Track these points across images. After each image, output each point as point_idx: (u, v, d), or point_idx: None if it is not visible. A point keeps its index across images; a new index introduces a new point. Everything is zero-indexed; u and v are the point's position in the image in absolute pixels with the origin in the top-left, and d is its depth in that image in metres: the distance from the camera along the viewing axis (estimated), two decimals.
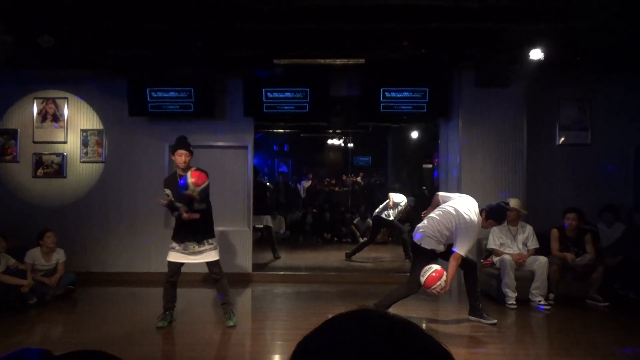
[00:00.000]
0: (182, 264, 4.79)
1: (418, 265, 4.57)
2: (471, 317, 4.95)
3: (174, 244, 4.79)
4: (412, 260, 5.02)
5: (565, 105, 7.12)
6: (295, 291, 6.54)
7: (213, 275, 4.87)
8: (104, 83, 7.08)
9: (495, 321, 4.87)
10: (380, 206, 8.65)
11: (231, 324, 4.80)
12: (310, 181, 13.98)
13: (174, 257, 4.78)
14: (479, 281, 5.01)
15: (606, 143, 7.07)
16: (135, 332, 4.74)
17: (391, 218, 8.51)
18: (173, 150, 4.76)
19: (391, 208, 8.53)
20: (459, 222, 4.51)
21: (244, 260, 7.07)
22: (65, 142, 7.15)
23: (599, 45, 5.93)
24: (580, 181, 6.95)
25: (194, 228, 4.73)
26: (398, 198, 8.65)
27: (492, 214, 4.71)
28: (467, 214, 4.52)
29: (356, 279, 7.17)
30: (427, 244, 4.62)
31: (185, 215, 4.60)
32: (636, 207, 6.67)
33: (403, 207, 8.67)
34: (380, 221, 8.59)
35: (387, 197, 8.77)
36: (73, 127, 7.16)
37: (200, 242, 4.77)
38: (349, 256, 8.44)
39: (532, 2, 4.68)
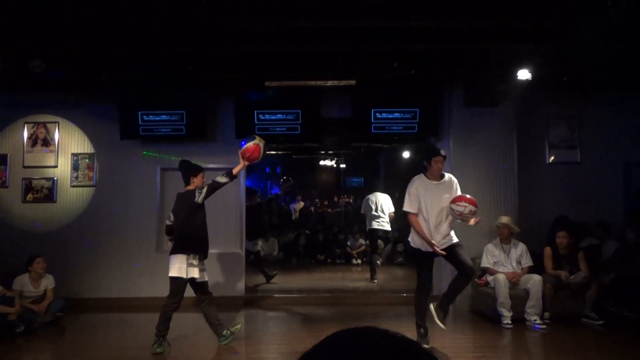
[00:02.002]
0: (187, 281, 4.71)
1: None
2: (431, 308, 4.78)
3: (179, 257, 4.69)
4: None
5: (554, 124, 7.22)
6: (289, 314, 6.46)
7: (204, 297, 4.83)
8: (96, 107, 7.08)
9: (444, 327, 4.75)
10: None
11: (225, 341, 4.82)
12: (302, 203, 13.96)
13: (180, 271, 4.66)
14: (460, 291, 4.86)
15: (595, 161, 7.14)
16: (126, 359, 4.63)
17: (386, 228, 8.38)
18: (197, 172, 4.94)
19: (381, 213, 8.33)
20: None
21: (237, 283, 6.98)
22: (55, 167, 7.10)
23: (586, 65, 6.05)
24: (570, 199, 6.99)
25: (198, 242, 4.77)
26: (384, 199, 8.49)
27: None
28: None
29: (350, 300, 7.10)
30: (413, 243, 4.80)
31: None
32: (627, 224, 6.71)
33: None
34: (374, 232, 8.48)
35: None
36: (64, 151, 7.12)
37: (202, 259, 4.79)
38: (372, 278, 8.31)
39: (520, 23, 4.78)
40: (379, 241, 9.03)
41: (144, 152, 7.04)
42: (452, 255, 4.70)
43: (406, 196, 4.78)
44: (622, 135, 7.14)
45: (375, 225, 8.37)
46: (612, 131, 7.16)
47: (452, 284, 4.84)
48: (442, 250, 4.62)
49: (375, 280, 8.21)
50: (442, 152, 4.76)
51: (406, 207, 4.75)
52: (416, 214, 4.71)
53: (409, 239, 4.89)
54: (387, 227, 8.48)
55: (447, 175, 4.83)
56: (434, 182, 4.74)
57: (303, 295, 7.38)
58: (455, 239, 4.75)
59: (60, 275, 6.21)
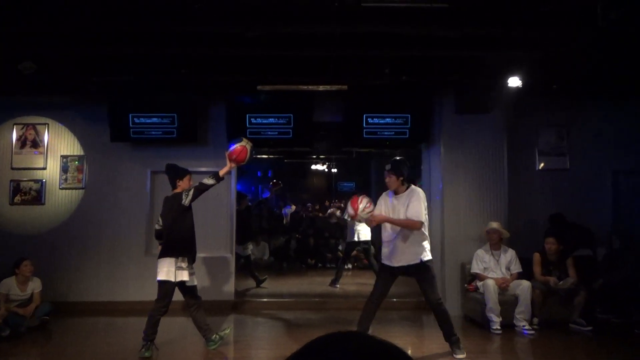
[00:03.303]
0: (176, 284, 4.67)
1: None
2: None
3: (168, 260, 4.66)
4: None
5: (544, 131, 7.29)
6: (278, 318, 6.43)
7: (193, 301, 4.80)
8: (86, 109, 7.02)
9: (464, 355, 4.61)
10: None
11: (214, 345, 4.79)
12: (294, 206, 13.93)
13: (169, 275, 4.63)
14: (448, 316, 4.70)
15: (584, 168, 7.22)
16: None
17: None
18: (183, 175, 4.93)
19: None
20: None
21: (226, 287, 6.95)
22: (44, 169, 7.03)
23: (576, 73, 6.12)
24: (560, 205, 7.04)
25: (187, 245, 4.74)
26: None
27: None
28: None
29: (340, 305, 7.08)
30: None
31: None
32: (614, 231, 6.77)
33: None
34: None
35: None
36: (53, 153, 7.05)
37: (190, 262, 4.76)
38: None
39: (510, 31, 4.82)
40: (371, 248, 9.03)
41: None
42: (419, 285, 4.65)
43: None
44: (611, 144, 7.22)
45: (354, 237, 8.30)
46: (601, 139, 7.24)
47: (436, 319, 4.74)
48: (408, 273, 4.60)
49: (337, 286, 8.19)
50: (386, 167, 4.66)
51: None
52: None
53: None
54: (367, 237, 8.41)
55: (411, 188, 4.65)
56: (394, 195, 4.69)
57: (293, 300, 7.35)
58: (420, 259, 4.51)
59: (47, 279, 6.15)
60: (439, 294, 4.69)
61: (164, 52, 5.62)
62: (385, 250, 4.70)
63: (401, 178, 4.60)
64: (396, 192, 4.66)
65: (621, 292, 5.93)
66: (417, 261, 4.51)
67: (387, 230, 4.65)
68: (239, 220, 7.35)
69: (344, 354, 0.57)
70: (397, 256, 4.57)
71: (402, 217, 4.51)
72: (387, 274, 4.70)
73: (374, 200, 4.88)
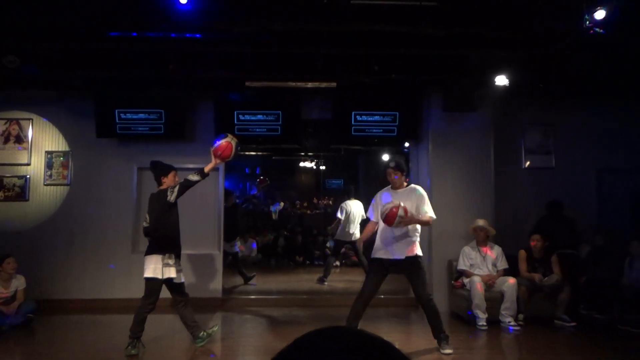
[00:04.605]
0: (163, 282, 4.64)
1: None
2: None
3: (154, 257, 4.62)
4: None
5: (530, 130, 7.36)
6: (266, 315, 6.42)
7: (181, 298, 4.77)
8: (71, 104, 6.93)
9: (451, 351, 4.66)
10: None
11: (202, 343, 4.77)
12: (282, 203, 13.93)
13: (156, 272, 4.59)
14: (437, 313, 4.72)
15: (569, 166, 7.31)
16: None
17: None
18: (167, 171, 4.88)
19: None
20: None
21: (214, 284, 6.92)
22: (28, 164, 6.93)
23: (562, 73, 6.19)
24: (545, 203, 7.12)
25: (173, 242, 4.72)
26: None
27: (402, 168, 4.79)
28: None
29: (329, 302, 7.10)
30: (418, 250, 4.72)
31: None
32: (596, 229, 6.87)
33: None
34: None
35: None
36: (37, 148, 6.95)
37: (177, 257, 4.73)
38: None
39: (497, 30, 4.86)
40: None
41: None
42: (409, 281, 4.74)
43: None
44: (595, 143, 7.32)
45: (343, 236, 8.29)
46: (586, 138, 7.34)
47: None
48: (400, 268, 4.65)
49: (325, 283, 8.20)
50: (390, 164, 4.78)
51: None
52: (376, 222, 4.77)
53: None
54: (355, 237, 8.40)
55: (412, 186, 4.81)
56: (394, 191, 4.76)
57: (281, 297, 7.35)
58: (415, 253, 4.62)
59: (31, 276, 6.06)
60: (429, 291, 4.74)
61: (151, 48, 5.56)
62: (379, 244, 4.72)
63: (404, 174, 4.77)
64: (395, 189, 4.75)
65: (604, 289, 6.03)
66: (412, 254, 4.59)
67: (383, 224, 4.65)
68: (227, 217, 7.32)
69: (334, 349, 0.57)
70: (392, 249, 4.62)
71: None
72: (378, 271, 4.72)
73: (369, 200, 4.98)
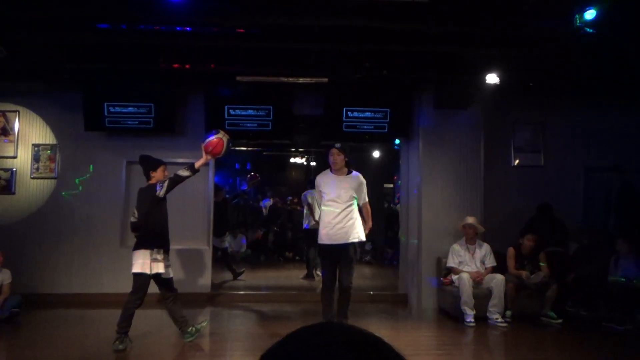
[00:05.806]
0: (151, 277, 4.60)
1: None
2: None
3: (143, 252, 4.58)
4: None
5: (520, 128, 7.41)
6: (255, 311, 6.42)
7: (170, 294, 4.75)
8: (59, 96, 6.83)
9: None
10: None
11: (190, 338, 4.75)
12: (272, 199, 13.91)
13: (144, 267, 4.55)
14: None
15: (558, 165, 7.37)
16: (86, 357, 4.50)
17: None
18: (156, 166, 4.84)
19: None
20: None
21: (203, 279, 6.89)
22: (15, 157, 6.83)
23: (551, 72, 6.23)
24: (534, 201, 7.18)
25: (161, 237, 4.68)
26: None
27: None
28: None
29: (318, 297, 7.08)
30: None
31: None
32: (581, 228, 6.95)
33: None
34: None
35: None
36: (24, 141, 6.86)
37: (166, 253, 4.69)
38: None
39: (488, 28, 4.88)
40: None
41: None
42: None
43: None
44: (584, 142, 7.39)
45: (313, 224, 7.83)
46: (575, 137, 7.40)
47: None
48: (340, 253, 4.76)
49: (318, 275, 7.95)
50: (336, 145, 4.95)
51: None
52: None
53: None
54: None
55: (355, 173, 5.00)
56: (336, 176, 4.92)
57: (270, 293, 7.35)
58: (359, 237, 4.81)
59: (17, 270, 5.97)
60: (352, 280, 4.85)
61: (141, 41, 5.50)
62: (327, 231, 4.78)
63: (346, 159, 4.91)
64: (337, 173, 4.92)
65: (589, 286, 6.10)
66: (361, 239, 4.82)
67: (335, 211, 4.75)
68: (216, 212, 7.29)
69: (325, 345, 0.57)
70: (341, 235, 4.73)
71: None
72: (328, 257, 4.87)
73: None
